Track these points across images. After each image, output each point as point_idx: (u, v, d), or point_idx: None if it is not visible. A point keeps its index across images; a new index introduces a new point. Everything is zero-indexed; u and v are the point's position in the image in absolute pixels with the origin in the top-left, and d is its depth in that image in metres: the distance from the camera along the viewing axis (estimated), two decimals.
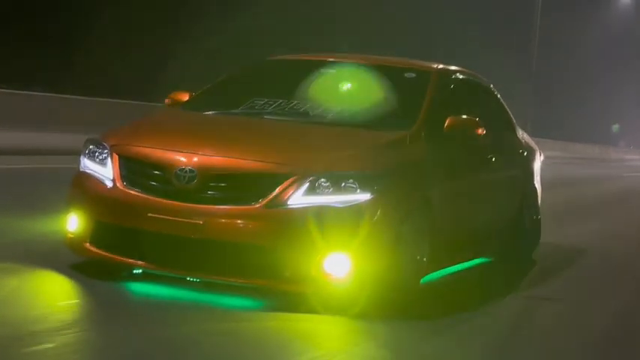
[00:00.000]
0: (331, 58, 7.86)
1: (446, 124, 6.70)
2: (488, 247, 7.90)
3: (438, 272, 6.86)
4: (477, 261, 7.81)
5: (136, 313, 5.33)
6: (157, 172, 5.87)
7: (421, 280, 6.40)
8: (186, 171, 5.75)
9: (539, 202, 9.00)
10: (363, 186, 5.74)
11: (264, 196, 5.64)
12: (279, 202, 5.63)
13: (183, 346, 4.76)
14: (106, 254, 5.95)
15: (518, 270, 8.10)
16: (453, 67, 7.84)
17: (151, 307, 5.49)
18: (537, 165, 9.07)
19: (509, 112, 8.68)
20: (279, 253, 5.59)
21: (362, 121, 6.64)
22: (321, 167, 5.77)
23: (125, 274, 6.07)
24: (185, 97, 7.29)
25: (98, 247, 5.97)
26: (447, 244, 6.77)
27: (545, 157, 9.62)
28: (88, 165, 6.23)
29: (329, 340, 5.27)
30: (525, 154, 8.71)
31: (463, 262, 7.45)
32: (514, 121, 8.73)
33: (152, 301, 5.65)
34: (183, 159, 5.81)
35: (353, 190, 5.72)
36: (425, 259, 6.36)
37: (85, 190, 6.15)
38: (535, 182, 8.89)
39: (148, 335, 4.89)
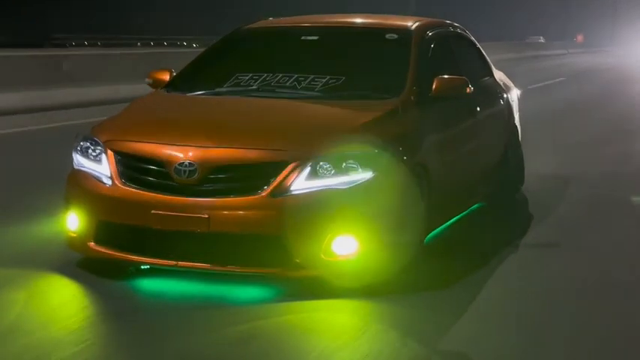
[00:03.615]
0: (307, 22, 7.54)
1: (434, 86, 6.43)
2: (481, 193, 7.77)
3: (437, 229, 6.75)
4: (471, 208, 7.71)
5: (151, 320, 5.06)
6: (155, 167, 5.57)
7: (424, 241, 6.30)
8: (185, 165, 5.47)
9: (520, 138, 8.91)
10: (365, 165, 5.50)
11: (266, 184, 5.38)
12: (282, 190, 5.38)
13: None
14: (112, 253, 5.68)
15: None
16: (430, 21, 7.58)
17: (166, 310, 5.22)
18: (516, 103, 8.92)
19: (487, 56, 8.51)
20: (287, 241, 5.35)
21: (352, 91, 6.34)
22: (321, 150, 5.49)
23: (132, 269, 5.81)
24: (166, 75, 7.01)
25: (103, 247, 5.70)
26: (445, 202, 6.58)
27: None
28: (82, 162, 5.93)
29: (344, 329, 5.04)
30: (505, 95, 8.52)
31: (460, 213, 7.32)
32: (491, 65, 8.56)
33: (165, 302, 5.37)
34: (181, 153, 5.51)
35: (355, 170, 5.48)
36: (425, 221, 6.24)
37: (83, 189, 5.84)
38: (515, 121, 8.76)
39: (172, 348, 4.64)
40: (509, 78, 9.14)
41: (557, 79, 30.22)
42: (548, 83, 27.83)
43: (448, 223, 7.00)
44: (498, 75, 8.70)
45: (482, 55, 8.36)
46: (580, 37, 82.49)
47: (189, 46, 48.87)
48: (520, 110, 9.08)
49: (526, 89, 18.87)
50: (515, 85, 9.22)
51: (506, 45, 50.08)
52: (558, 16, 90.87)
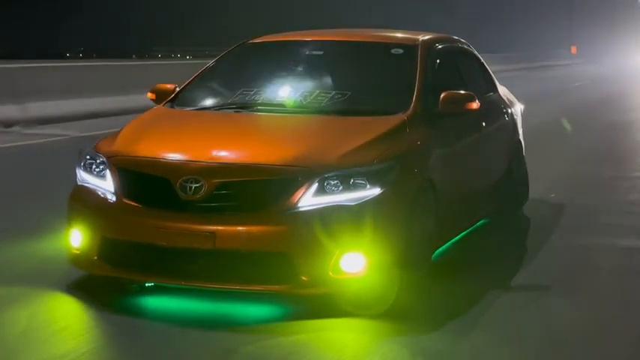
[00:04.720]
0: (312, 37, 7.46)
1: (441, 101, 6.37)
2: (486, 209, 7.70)
3: (444, 245, 6.67)
4: (477, 224, 7.65)
5: (155, 338, 4.98)
6: (160, 183, 5.45)
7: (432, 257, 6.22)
8: (191, 181, 5.38)
9: (524, 152, 8.86)
10: (372, 181, 5.42)
11: (273, 201, 5.28)
12: (289, 206, 5.29)
13: None
14: (116, 270, 5.57)
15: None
16: (435, 36, 7.52)
17: (171, 328, 5.12)
18: (520, 118, 8.86)
19: (491, 72, 8.45)
20: (295, 258, 5.23)
21: (358, 106, 6.27)
22: (329, 166, 5.40)
23: (136, 287, 5.72)
24: (169, 89, 6.93)
25: (107, 264, 5.57)
26: (452, 218, 6.51)
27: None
28: (86, 178, 5.82)
29: (355, 349, 4.95)
30: (509, 110, 8.46)
31: (466, 229, 7.24)
32: (495, 80, 8.51)
33: (170, 321, 5.26)
34: (186, 169, 5.41)
35: (362, 187, 5.39)
36: (432, 237, 6.15)
37: (87, 205, 5.73)
38: (519, 135, 8.71)
39: None
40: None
41: (585, 82, 38.95)
42: (583, 83, 37.80)
43: (454, 239, 6.93)
44: (502, 90, 8.64)
45: (487, 70, 8.30)
46: (574, 49, 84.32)
47: (183, 57, 48.91)
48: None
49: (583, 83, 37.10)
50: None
51: (541, 56, 66.69)
52: (560, 29, 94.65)
